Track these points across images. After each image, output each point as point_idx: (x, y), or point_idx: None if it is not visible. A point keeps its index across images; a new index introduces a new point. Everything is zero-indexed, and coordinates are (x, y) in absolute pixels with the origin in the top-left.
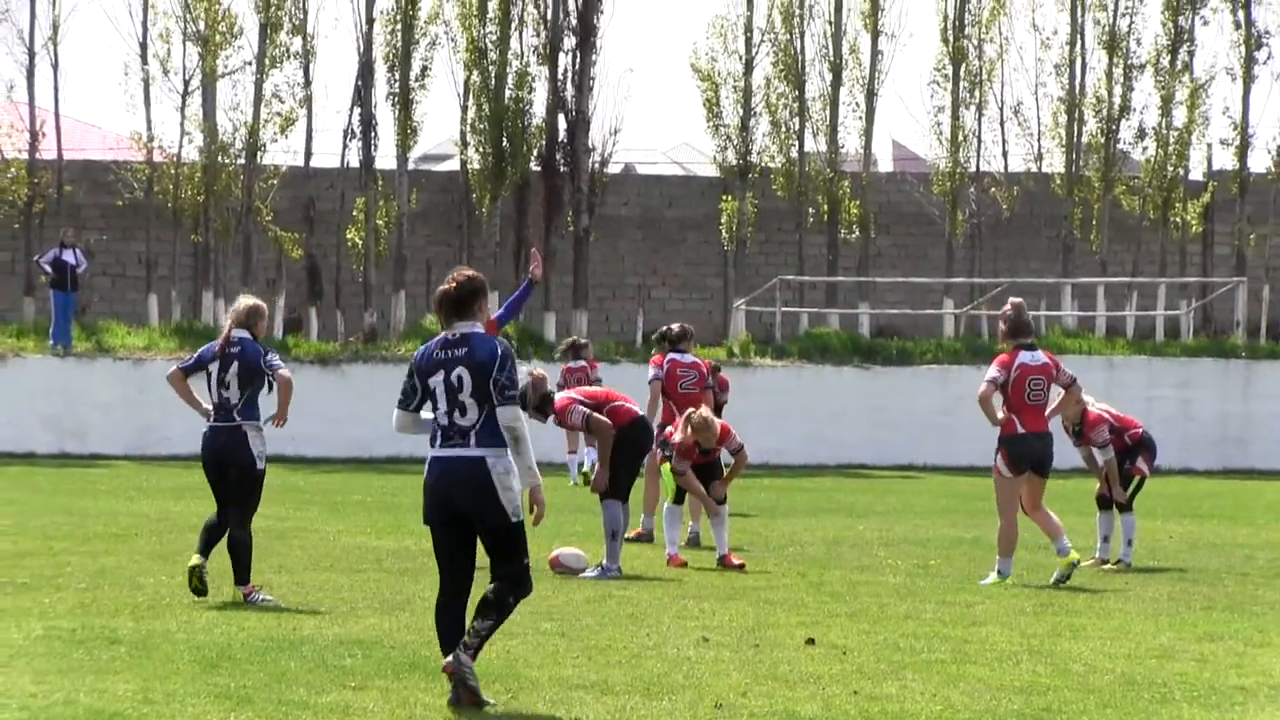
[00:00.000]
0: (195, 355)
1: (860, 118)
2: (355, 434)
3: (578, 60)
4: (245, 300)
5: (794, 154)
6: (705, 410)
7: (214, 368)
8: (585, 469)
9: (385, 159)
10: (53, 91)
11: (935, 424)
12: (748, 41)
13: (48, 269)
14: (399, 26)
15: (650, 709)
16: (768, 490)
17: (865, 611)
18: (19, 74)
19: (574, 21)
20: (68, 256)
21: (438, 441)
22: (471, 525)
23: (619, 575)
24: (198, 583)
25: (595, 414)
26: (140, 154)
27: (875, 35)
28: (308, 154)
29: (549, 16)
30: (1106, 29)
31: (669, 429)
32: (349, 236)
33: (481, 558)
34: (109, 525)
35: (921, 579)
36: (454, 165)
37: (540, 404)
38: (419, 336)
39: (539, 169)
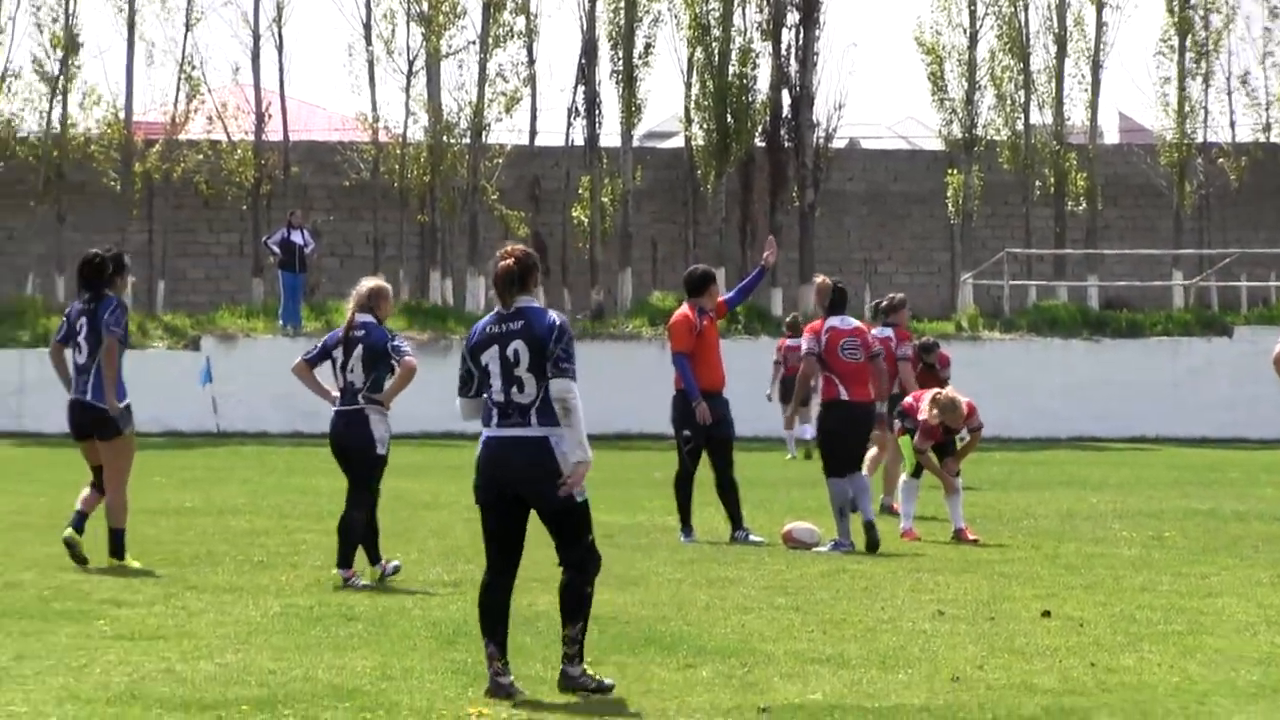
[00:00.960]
0: (320, 344)
1: (1085, 90)
2: (584, 411)
3: (801, 35)
4: (368, 282)
5: (1019, 127)
6: (951, 390)
7: (338, 353)
8: (808, 439)
9: (610, 137)
10: (278, 73)
11: (1166, 395)
12: (972, 15)
13: (276, 250)
14: (622, 4)
15: (886, 682)
16: (999, 464)
17: (1100, 584)
18: (244, 57)
19: None
20: (295, 237)
21: (493, 420)
22: (525, 507)
23: (851, 549)
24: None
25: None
26: (366, 134)
27: (1100, 7)
28: (532, 133)
29: None
30: None
31: (908, 400)
32: (574, 214)
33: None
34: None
35: (1156, 550)
36: (678, 142)
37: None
38: (646, 313)
39: (763, 145)
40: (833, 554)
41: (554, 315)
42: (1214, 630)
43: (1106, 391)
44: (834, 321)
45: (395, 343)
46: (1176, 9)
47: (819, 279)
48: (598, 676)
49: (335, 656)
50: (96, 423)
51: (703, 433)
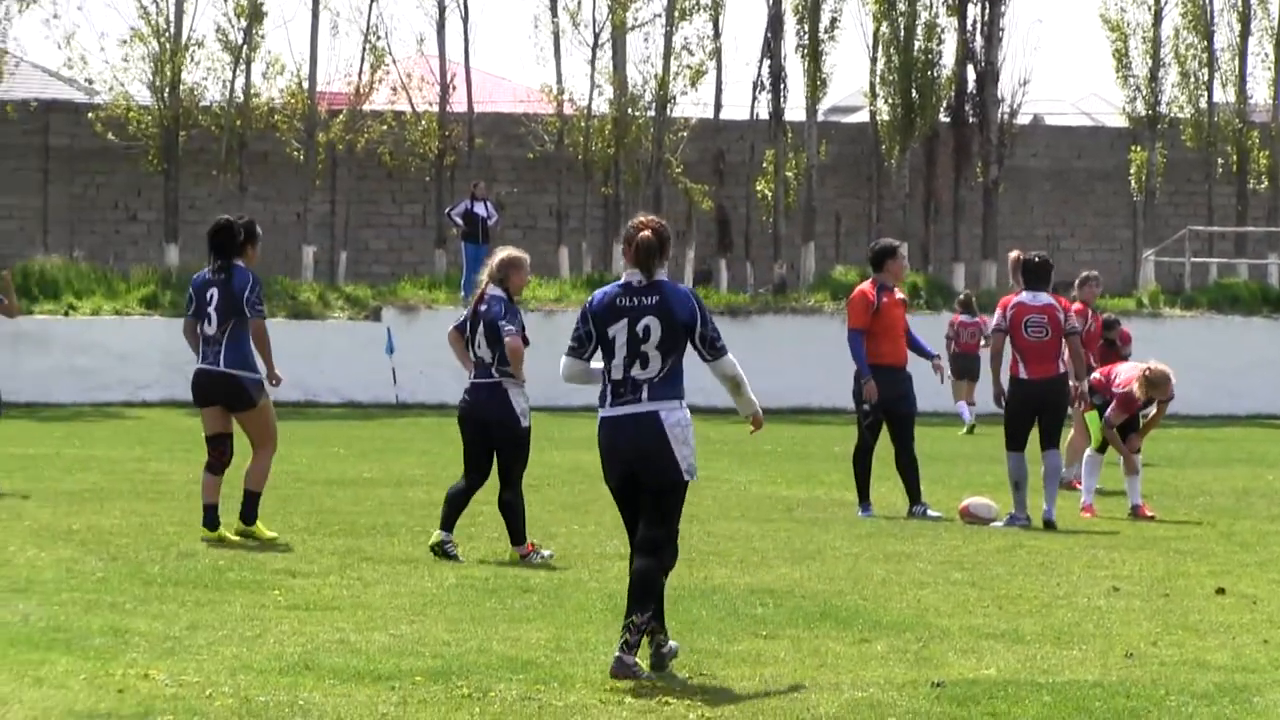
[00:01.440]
0: (469, 312)
1: (1269, 68)
2: (764, 384)
3: (987, 11)
4: (500, 253)
5: (1203, 104)
6: (1159, 363)
7: (469, 325)
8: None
9: (794, 111)
10: (463, 44)
11: None
12: None
13: (459, 221)
14: None
15: (1061, 658)
16: (1177, 440)
17: (1275, 561)
18: (429, 27)
19: None
20: (479, 209)
21: (608, 400)
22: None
23: (1028, 524)
24: (441, 554)
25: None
26: (550, 107)
27: None
28: (717, 106)
29: None
30: None
31: (1095, 376)
32: (758, 188)
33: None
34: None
35: None
36: (863, 117)
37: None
38: (828, 288)
39: (948, 120)
40: (1009, 529)
41: (690, 293)
42: None
43: None
44: (1023, 297)
45: (503, 320)
46: None
47: (1013, 253)
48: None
49: (510, 628)
50: (231, 393)
51: (881, 408)
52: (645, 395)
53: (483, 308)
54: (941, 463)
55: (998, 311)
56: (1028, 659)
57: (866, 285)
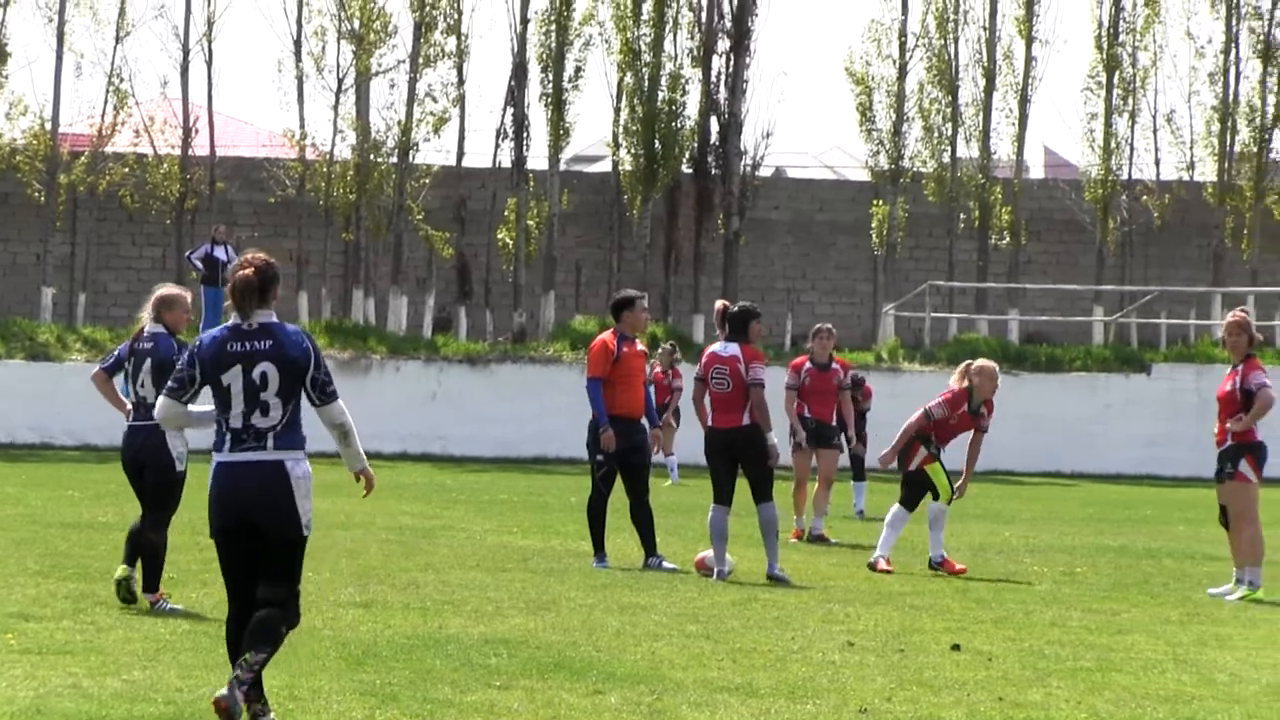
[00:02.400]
0: (114, 353)
1: (1013, 124)
2: (502, 433)
3: (731, 63)
4: (159, 290)
5: (946, 159)
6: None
7: (129, 365)
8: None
9: (537, 159)
10: (206, 88)
11: (1084, 431)
12: (902, 46)
13: (199, 265)
14: (553, 27)
15: (795, 712)
16: None
17: (1011, 618)
18: (173, 70)
19: (728, 24)
20: (219, 253)
21: (226, 445)
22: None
23: (723, 577)
24: (126, 593)
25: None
26: (293, 151)
27: (1029, 41)
28: (460, 153)
29: (703, 19)
30: (1261, 37)
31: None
32: (499, 236)
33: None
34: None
35: (1068, 586)
36: (606, 167)
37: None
38: (567, 337)
39: (690, 171)
40: (722, 581)
41: (302, 333)
42: (1122, 667)
43: (1024, 425)
44: (716, 347)
45: (175, 357)
46: (1105, 46)
47: (719, 302)
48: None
49: None
50: None
51: (616, 459)
52: (270, 444)
53: (146, 345)
54: (678, 514)
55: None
56: (762, 713)
57: (607, 335)
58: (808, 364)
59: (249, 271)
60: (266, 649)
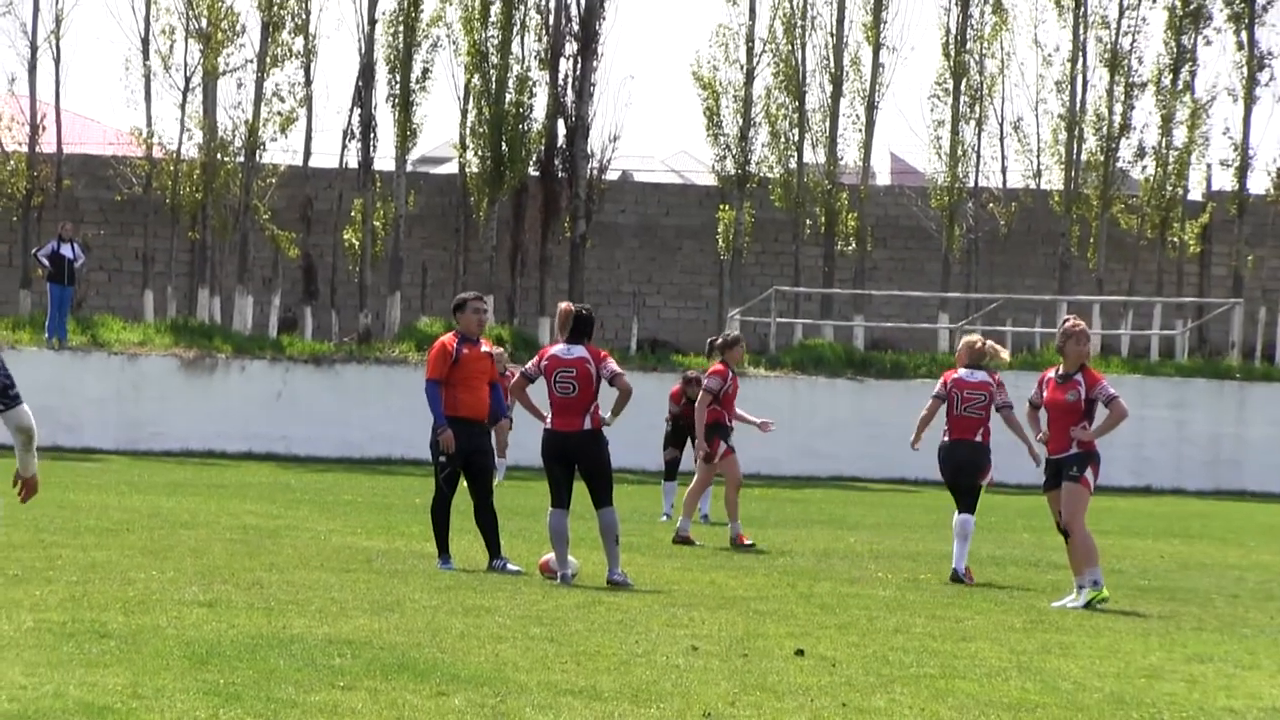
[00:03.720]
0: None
1: (860, 130)
2: (347, 434)
3: (579, 66)
4: None
5: (793, 165)
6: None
7: None
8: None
9: (384, 160)
10: (54, 85)
11: (927, 438)
12: (749, 51)
13: (45, 262)
14: (401, 28)
15: (639, 716)
16: (759, 500)
17: (855, 624)
18: (21, 67)
19: (576, 27)
20: (65, 250)
21: None
22: None
23: (566, 581)
24: None
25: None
26: (140, 150)
27: (877, 48)
28: (307, 154)
29: (551, 22)
30: (1108, 47)
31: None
32: (346, 237)
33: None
34: (100, 519)
35: (912, 593)
36: (452, 168)
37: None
38: (413, 338)
39: (537, 174)
40: (565, 585)
41: None
42: (966, 674)
43: (869, 432)
44: (557, 349)
45: None
46: (952, 53)
47: (562, 305)
48: None
49: (87, 673)
50: None
51: (459, 460)
52: None
53: None
54: (522, 517)
55: (533, 360)
56: (606, 716)
57: (448, 337)
58: (730, 371)
59: None
60: None
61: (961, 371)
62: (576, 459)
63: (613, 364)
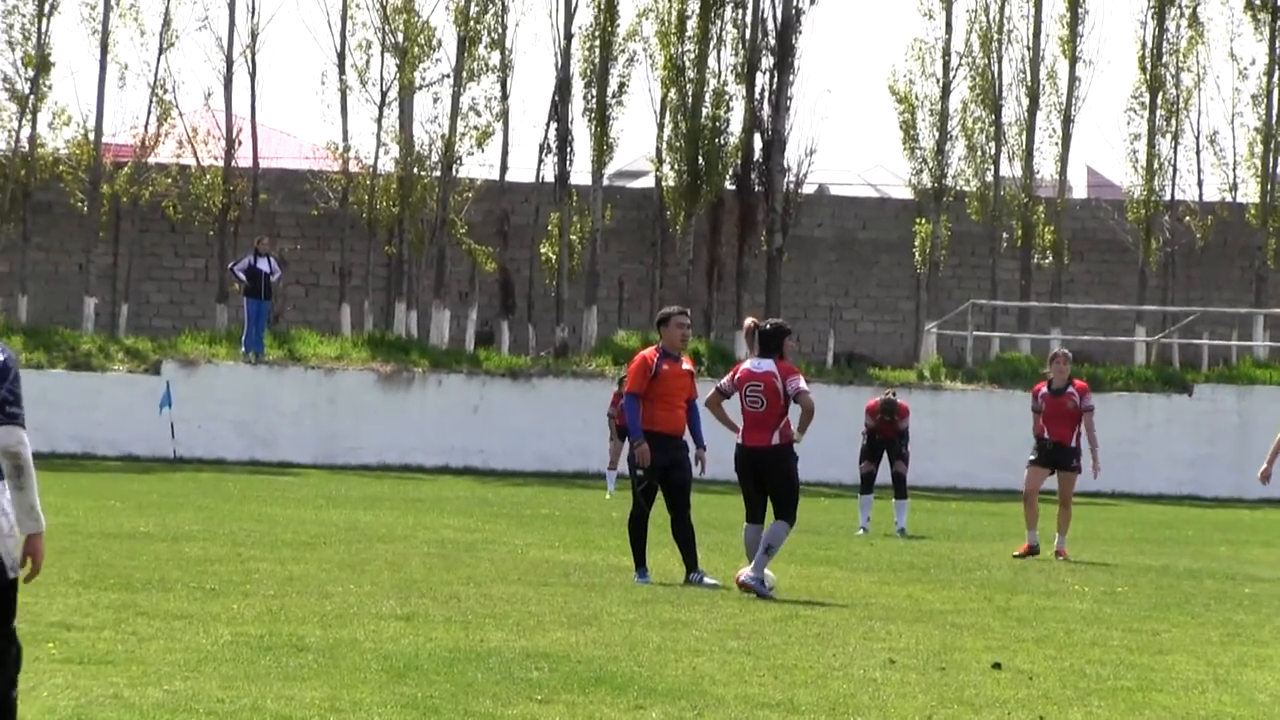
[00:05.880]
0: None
1: (1056, 143)
2: (544, 448)
3: (775, 80)
4: None
5: (989, 178)
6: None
7: None
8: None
9: (580, 174)
10: (250, 100)
11: (1124, 451)
12: (945, 65)
13: (242, 277)
14: (597, 43)
15: None
16: (955, 514)
17: (1051, 637)
18: (217, 82)
19: (772, 41)
20: (262, 264)
21: None
22: None
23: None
24: None
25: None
26: (336, 164)
27: (1073, 62)
28: (503, 168)
29: (747, 36)
30: None
31: None
32: (542, 251)
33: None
34: (297, 533)
35: (1108, 605)
36: (649, 182)
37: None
38: (610, 352)
39: (733, 188)
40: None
41: (1, 348)
42: (1163, 687)
43: None
44: (749, 364)
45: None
46: (1148, 66)
47: (748, 320)
48: None
49: (284, 687)
50: None
51: (656, 474)
52: None
53: None
54: (719, 530)
55: (728, 375)
56: None
57: (649, 351)
58: (1044, 389)
59: None
60: None
61: None
62: (765, 474)
63: (799, 381)
